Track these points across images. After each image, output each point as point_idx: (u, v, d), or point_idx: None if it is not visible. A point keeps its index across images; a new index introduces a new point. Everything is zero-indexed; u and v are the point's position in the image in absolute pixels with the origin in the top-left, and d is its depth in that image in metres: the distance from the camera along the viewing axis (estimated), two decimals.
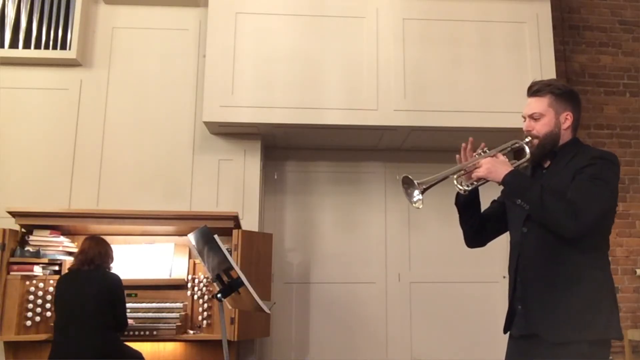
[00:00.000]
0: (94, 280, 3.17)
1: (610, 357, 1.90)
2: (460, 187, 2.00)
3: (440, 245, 4.57)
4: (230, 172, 4.16)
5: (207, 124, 4.06)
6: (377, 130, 4.19)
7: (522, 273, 1.99)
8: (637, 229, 4.73)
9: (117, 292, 3.20)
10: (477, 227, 2.16)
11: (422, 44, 4.18)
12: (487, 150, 2.03)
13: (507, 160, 1.98)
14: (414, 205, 1.95)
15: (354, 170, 4.72)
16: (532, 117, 2.04)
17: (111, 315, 3.16)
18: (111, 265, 3.34)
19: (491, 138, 4.09)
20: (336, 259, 4.55)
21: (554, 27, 4.42)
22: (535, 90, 2.07)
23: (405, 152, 4.71)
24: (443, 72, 4.15)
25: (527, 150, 2.03)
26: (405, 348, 4.45)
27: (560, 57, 4.77)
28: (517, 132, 2.17)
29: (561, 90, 2.05)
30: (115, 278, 3.25)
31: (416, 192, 1.94)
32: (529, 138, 2.03)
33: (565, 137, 2.03)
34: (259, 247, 3.76)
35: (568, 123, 2.03)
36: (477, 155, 2.02)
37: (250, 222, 4.05)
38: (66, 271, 3.38)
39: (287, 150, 4.66)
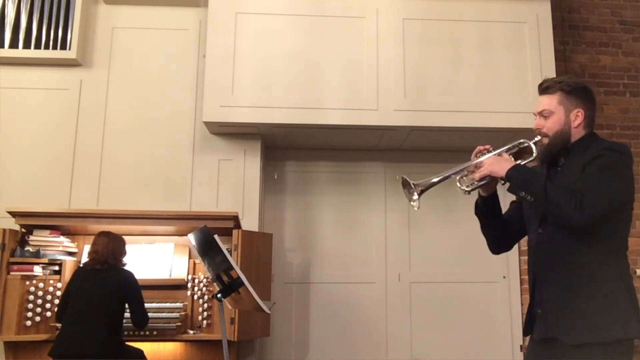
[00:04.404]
0: (106, 279, 3.17)
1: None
2: (463, 189, 2.00)
3: (440, 245, 4.57)
4: (230, 172, 4.16)
5: (207, 124, 4.06)
6: (377, 130, 4.19)
7: (538, 275, 1.97)
8: (637, 229, 4.71)
9: (131, 289, 3.20)
10: (501, 232, 2.13)
11: (422, 44, 4.18)
12: (492, 150, 2.02)
13: (511, 158, 1.98)
14: (411, 204, 1.97)
15: (354, 170, 4.71)
16: (542, 114, 2.01)
17: (120, 314, 3.17)
18: (124, 260, 3.32)
19: (491, 138, 4.13)
20: (336, 259, 4.55)
21: (554, 27, 4.42)
22: (545, 87, 2.03)
23: (405, 152, 4.70)
24: (443, 72, 4.15)
25: (534, 149, 2.00)
26: (405, 348, 4.44)
27: (560, 57, 4.76)
28: (518, 132, 2.17)
29: (571, 87, 2.00)
30: (129, 275, 3.24)
31: (414, 193, 1.97)
32: (539, 137, 2.00)
33: (577, 134, 1.98)
34: (259, 247, 3.76)
35: (579, 120, 1.97)
36: (480, 155, 2.01)
37: (250, 222, 4.05)
38: (80, 266, 3.37)
39: (287, 150, 4.66)
